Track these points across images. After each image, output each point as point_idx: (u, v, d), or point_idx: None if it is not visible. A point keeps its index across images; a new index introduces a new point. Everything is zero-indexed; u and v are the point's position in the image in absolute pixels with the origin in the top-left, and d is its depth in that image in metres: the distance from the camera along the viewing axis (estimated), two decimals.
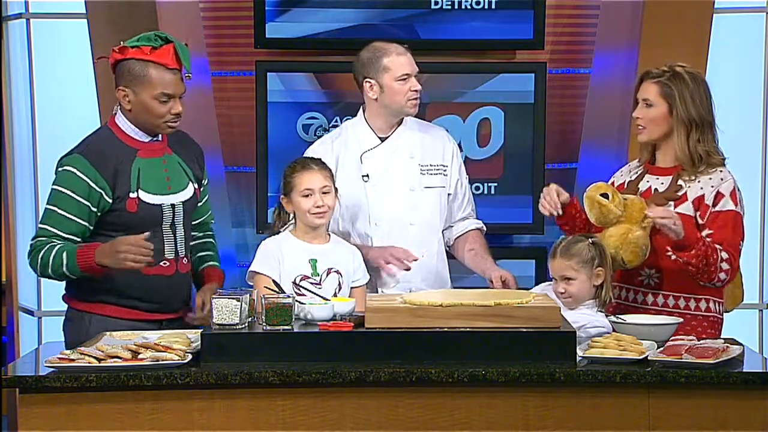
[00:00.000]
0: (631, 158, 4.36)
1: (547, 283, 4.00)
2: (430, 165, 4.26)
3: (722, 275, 3.74)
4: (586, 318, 3.73)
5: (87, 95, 5.18)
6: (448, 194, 4.29)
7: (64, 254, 3.66)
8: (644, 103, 3.91)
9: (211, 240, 4.12)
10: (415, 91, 4.16)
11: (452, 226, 4.33)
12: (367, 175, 4.21)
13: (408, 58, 4.17)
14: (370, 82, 4.17)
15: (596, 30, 5.23)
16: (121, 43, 3.80)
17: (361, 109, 4.29)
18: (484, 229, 4.37)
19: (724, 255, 3.73)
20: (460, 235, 4.32)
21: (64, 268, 3.68)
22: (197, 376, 3.27)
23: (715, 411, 3.30)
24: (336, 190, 4.01)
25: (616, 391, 3.30)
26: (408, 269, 4.12)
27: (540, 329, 3.41)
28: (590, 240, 3.84)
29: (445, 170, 4.28)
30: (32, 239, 3.75)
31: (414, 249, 4.17)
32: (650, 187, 3.95)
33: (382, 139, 4.24)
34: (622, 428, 3.30)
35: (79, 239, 3.73)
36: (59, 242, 3.69)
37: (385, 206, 4.19)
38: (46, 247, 3.69)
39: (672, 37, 4.99)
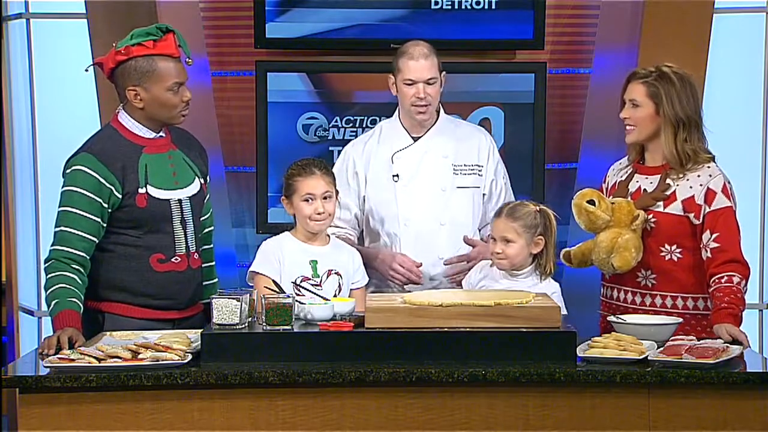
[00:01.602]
0: None
1: (484, 262, 4.02)
2: (464, 165, 4.25)
3: (745, 289, 3.78)
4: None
5: (87, 95, 5.18)
6: (483, 194, 4.27)
7: (54, 302, 3.64)
8: (631, 103, 3.92)
9: (210, 261, 4.10)
10: (418, 98, 4.15)
11: (487, 225, 4.29)
12: (397, 175, 4.21)
13: (419, 64, 4.14)
14: (391, 79, 4.19)
15: (596, 30, 5.23)
16: (114, 45, 3.80)
17: (397, 109, 4.30)
18: None
19: (737, 279, 3.75)
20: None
21: (49, 309, 3.67)
22: (197, 376, 3.27)
23: (715, 411, 3.30)
24: (337, 192, 4.01)
25: (616, 391, 3.30)
26: (416, 282, 4.12)
27: (540, 329, 3.41)
28: (538, 207, 3.90)
29: (480, 170, 4.26)
30: (51, 246, 3.74)
31: (445, 249, 4.17)
32: (639, 187, 3.96)
33: (415, 139, 4.24)
34: (622, 428, 3.30)
35: (94, 239, 3.73)
36: (67, 274, 3.66)
37: (415, 206, 4.18)
38: (55, 273, 3.67)
39: (672, 37, 5.00)
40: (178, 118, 3.83)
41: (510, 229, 3.86)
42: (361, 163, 4.25)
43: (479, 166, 4.27)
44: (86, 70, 4.01)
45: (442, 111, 4.32)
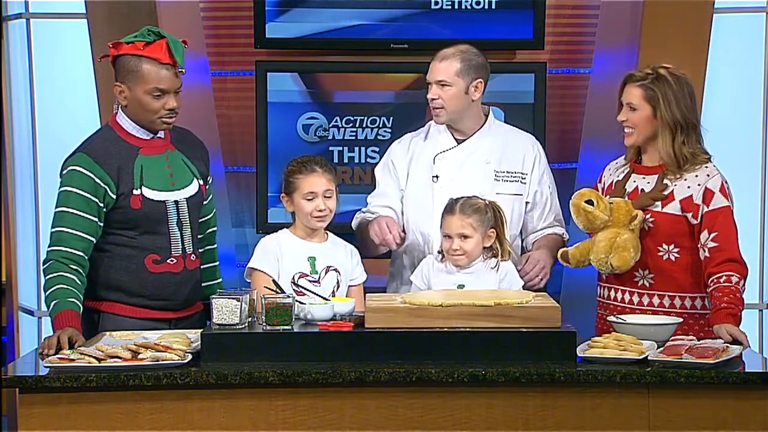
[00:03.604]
0: None
1: (428, 257, 4.05)
2: (507, 171, 4.23)
3: (744, 288, 3.77)
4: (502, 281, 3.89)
5: (87, 95, 5.18)
6: (526, 202, 4.25)
7: (53, 303, 3.63)
8: (628, 106, 3.91)
9: (214, 262, 4.10)
10: (430, 99, 4.15)
11: (532, 234, 4.29)
12: (437, 176, 4.20)
13: (433, 65, 4.15)
14: None
15: (596, 30, 5.23)
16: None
17: None
18: (566, 237, 4.33)
19: (736, 278, 3.74)
20: (536, 240, 4.29)
21: (49, 309, 3.66)
22: (197, 376, 3.27)
23: (715, 411, 3.30)
24: (338, 190, 4.01)
25: (616, 391, 3.30)
26: (389, 246, 4.08)
27: (540, 329, 3.41)
28: (486, 200, 3.95)
29: (523, 178, 4.24)
30: (48, 247, 3.73)
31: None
32: (637, 187, 3.96)
33: (459, 142, 4.24)
34: (622, 428, 3.30)
35: (92, 239, 3.73)
36: (66, 274, 3.65)
37: None
38: (54, 274, 3.67)
39: (672, 37, 4.99)
40: (158, 125, 3.81)
41: (466, 225, 3.90)
42: (404, 161, 4.26)
43: (523, 174, 4.25)
44: (100, 59, 4.02)
45: (491, 116, 4.30)
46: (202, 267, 3.99)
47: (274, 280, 3.76)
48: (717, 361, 3.33)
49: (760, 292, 5.30)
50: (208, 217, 4.05)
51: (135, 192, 3.77)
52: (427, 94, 4.17)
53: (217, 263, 4.11)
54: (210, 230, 4.07)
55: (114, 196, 3.75)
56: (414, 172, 4.25)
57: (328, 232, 4.07)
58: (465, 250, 3.90)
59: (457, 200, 3.95)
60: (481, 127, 4.25)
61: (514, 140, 4.31)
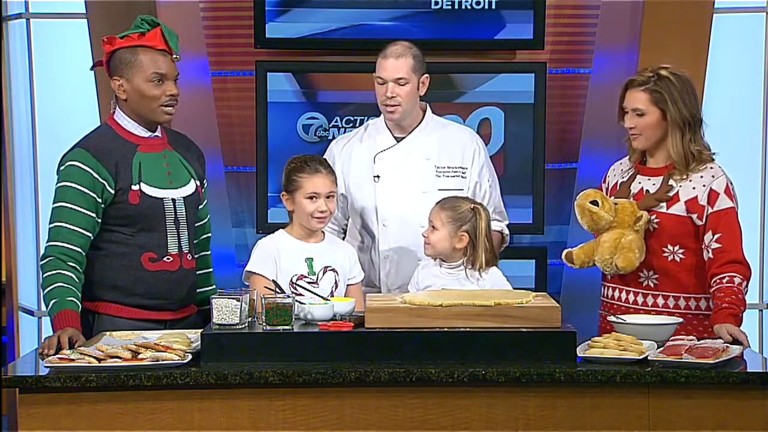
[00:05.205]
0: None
1: (425, 262, 4.06)
2: (447, 167, 4.22)
3: (746, 289, 3.78)
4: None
5: (87, 95, 5.18)
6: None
7: (53, 302, 3.62)
8: (634, 112, 3.90)
9: (208, 268, 4.08)
10: (386, 97, 4.14)
11: None
12: (378, 176, 4.20)
13: (389, 62, 4.14)
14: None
15: (596, 30, 5.23)
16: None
17: None
18: (506, 231, 4.33)
19: (738, 279, 3.75)
20: None
21: (48, 308, 3.66)
22: (197, 376, 3.27)
23: (715, 411, 3.30)
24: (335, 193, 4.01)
25: (616, 391, 3.30)
26: None
27: (540, 329, 3.41)
28: (472, 205, 3.95)
29: (463, 172, 4.23)
30: (47, 242, 3.72)
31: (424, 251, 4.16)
32: (642, 188, 3.95)
33: (398, 140, 4.23)
34: (622, 428, 3.30)
35: (90, 234, 3.72)
36: (65, 272, 3.64)
37: (395, 207, 4.16)
38: (52, 272, 3.66)
39: (672, 37, 5.00)
40: (160, 115, 3.79)
41: (438, 218, 3.93)
42: (340, 161, 4.24)
43: (463, 168, 4.24)
44: (91, 69, 4.03)
45: (428, 111, 4.28)
46: (196, 273, 3.98)
47: (273, 280, 3.75)
48: (717, 361, 3.33)
49: (760, 292, 5.30)
50: (203, 222, 4.03)
51: (133, 187, 3.76)
52: (386, 92, 4.13)
53: (211, 270, 4.10)
54: (204, 236, 4.05)
55: (112, 192, 3.74)
56: (355, 173, 4.23)
57: (324, 231, 4.06)
58: (429, 240, 3.94)
59: (449, 197, 3.97)
60: (420, 123, 4.24)
61: (453, 134, 4.30)
